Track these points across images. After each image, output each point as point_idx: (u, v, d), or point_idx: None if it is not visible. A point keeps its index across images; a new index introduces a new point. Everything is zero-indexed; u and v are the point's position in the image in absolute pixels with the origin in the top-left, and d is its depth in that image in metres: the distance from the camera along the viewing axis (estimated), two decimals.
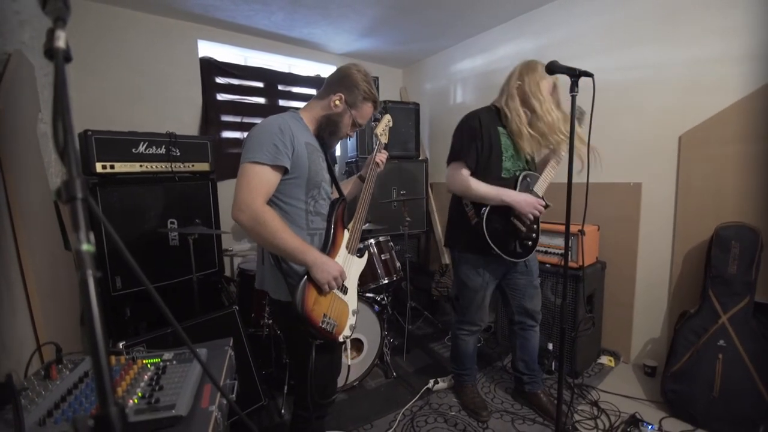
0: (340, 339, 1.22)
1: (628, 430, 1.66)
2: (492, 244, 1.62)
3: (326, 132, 1.29)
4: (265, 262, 1.25)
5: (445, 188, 3.44)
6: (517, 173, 1.70)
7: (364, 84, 1.26)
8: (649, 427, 1.65)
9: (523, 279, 1.83)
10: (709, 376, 1.77)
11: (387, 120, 1.52)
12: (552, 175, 1.70)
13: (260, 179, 1.11)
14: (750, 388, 1.68)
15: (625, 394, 2.03)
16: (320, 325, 1.14)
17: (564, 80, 1.29)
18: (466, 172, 1.67)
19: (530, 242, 1.71)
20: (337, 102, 1.25)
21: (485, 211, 1.63)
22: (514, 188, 1.66)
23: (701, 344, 1.82)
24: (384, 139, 1.49)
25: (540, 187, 1.69)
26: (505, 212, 1.65)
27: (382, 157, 1.47)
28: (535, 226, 1.72)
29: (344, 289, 1.26)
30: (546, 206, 1.65)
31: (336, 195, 1.38)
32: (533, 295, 1.85)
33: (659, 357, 2.21)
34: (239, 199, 1.10)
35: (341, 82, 1.27)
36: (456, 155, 1.71)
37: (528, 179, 1.70)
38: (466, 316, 1.89)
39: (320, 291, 1.16)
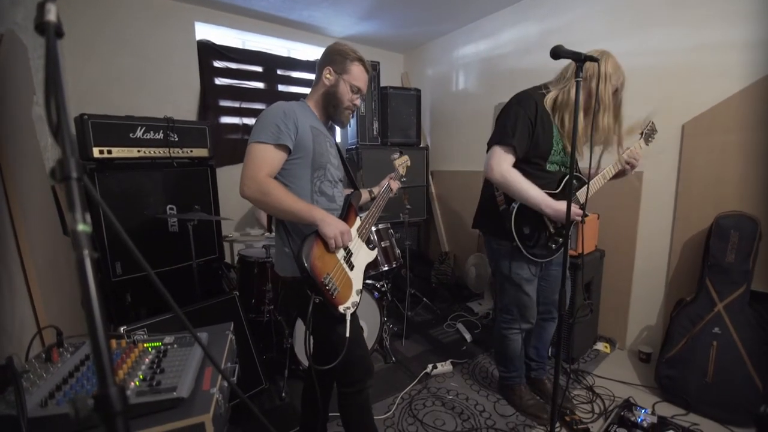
0: (340, 309, 1.19)
1: (622, 413, 1.69)
2: (515, 236, 1.52)
3: (330, 108, 1.33)
4: (277, 239, 1.31)
5: (448, 176, 3.38)
6: (563, 169, 1.59)
7: (346, 48, 1.31)
8: (642, 411, 1.68)
9: (556, 270, 1.76)
10: (703, 363, 1.80)
11: (407, 159, 1.74)
12: (600, 184, 1.56)
13: (263, 156, 1.17)
14: (742, 375, 1.71)
15: (620, 379, 2.06)
16: (322, 279, 1.13)
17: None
18: (511, 160, 1.51)
19: (554, 245, 1.61)
20: (328, 75, 1.30)
21: (517, 203, 1.52)
22: (557, 186, 1.56)
23: (696, 331, 1.84)
24: (402, 171, 1.69)
25: (582, 192, 1.52)
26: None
27: (395, 185, 1.59)
28: (564, 231, 1.58)
29: (350, 265, 1.28)
30: (584, 216, 1.47)
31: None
32: (566, 286, 1.75)
33: (654, 344, 2.24)
34: (244, 175, 1.16)
35: (326, 57, 1.33)
36: (504, 138, 1.49)
37: (573, 182, 1.53)
38: (514, 314, 1.74)
39: (327, 248, 1.19)
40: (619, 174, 1.62)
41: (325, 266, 1.17)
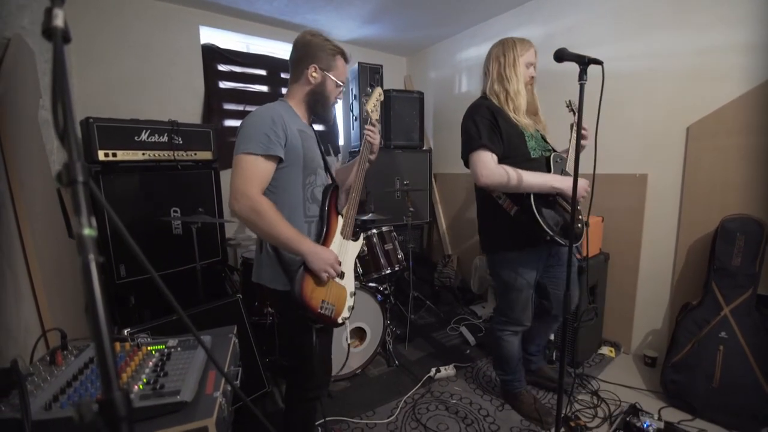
0: (339, 321, 1.26)
1: (628, 419, 1.67)
2: (548, 230, 1.46)
3: (318, 107, 1.30)
4: (263, 252, 1.27)
5: (451, 179, 3.33)
6: (544, 153, 1.59)
7: (325, 43, 1.26)
8: (648, 416, 1.66)
9: (563, 272, 1.62)
10: (710, 367, 1.77)
11: (378, 94, 1.44)
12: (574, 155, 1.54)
13: (254, 169, 1.12)
14: (750, 380, 1.69)
15: (625, 384, 2.04)
16: (319, 311, 1.18)
17: (572, 68, 1.26)
18: (494, 158, 1.50)
19: (579, 224, 1.56)
20: (314, 74, 1.25)
21: (531, 196, 1.48)
22: (547, 171, 1.56)
23: (703, 335, 1.82)
24: (375, 116, 1.41)
25: (570, 168, 1.53)
26: (548, 195, 1.53)
27: (371, 135, 1.37)
28: (579, 207, 1.55)
29: (341, 274, 1.27)
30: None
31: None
32: (574, 288, 1.72)
33: (660, 348, 2.21)
34: (235, 190, 1.11)
35: (307, 53, 1.25)
36: (476, 143, 1.50)
37: (558, 160, 1.58)
38: (510, 317, 1.76)
39: (317, 280, 1.18)
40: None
41: (318, 295, 1.18)
